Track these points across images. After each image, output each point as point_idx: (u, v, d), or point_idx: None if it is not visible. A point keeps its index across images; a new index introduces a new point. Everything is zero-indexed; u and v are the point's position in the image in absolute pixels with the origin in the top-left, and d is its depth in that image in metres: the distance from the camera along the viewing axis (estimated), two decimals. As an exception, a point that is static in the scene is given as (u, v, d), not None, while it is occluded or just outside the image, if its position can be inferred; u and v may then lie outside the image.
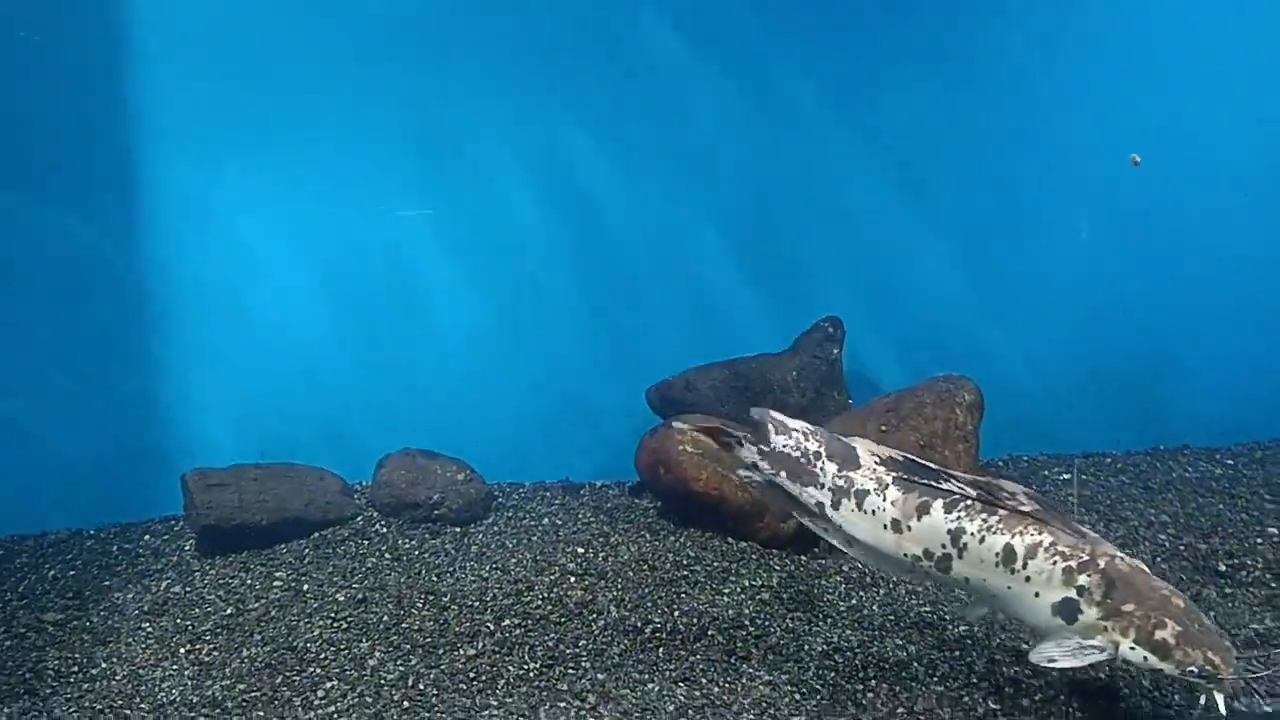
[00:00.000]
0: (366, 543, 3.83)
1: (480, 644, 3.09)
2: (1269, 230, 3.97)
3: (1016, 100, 4.02)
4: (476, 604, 3.31)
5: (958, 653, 2.95)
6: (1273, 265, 4.02)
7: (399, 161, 3.96)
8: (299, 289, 4.02)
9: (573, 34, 3.93)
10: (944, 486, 2.62)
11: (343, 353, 4.10)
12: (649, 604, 3.29)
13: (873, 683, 2.81)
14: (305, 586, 3.49)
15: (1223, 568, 3.32)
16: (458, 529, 3.95)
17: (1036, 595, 2.48)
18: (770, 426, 2.81)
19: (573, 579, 3.46)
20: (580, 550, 3.67)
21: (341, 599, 3.37)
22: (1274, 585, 3.22)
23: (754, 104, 4.05)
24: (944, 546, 2.59)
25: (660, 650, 3.04)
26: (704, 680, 2.86)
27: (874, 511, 2.68)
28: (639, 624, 3.16)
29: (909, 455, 2.77)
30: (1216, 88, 3.90)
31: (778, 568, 3.55)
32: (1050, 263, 4.08)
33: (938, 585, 2.86)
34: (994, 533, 2.52)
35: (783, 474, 2.79)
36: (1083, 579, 2.42)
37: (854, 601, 3.32)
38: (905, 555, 2.64)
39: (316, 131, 3.88)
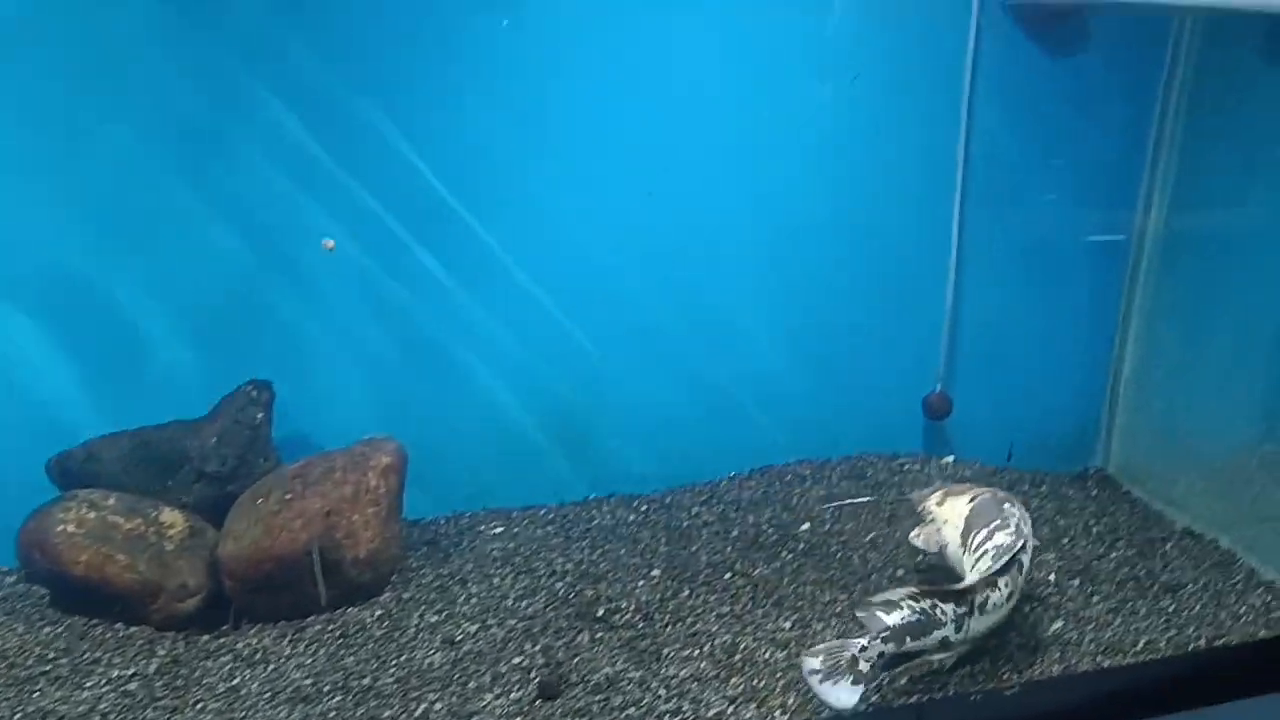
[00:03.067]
0: None
1: None
2: (674, 296, 4.38)
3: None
4: None
5: (315, 728, 2.94)
6: (680, 330, 4.44)
7: None
8: None
9: None
10: None
11: None
12: (-9, 708, 2.97)
13: (210, 772, 2.71)
14: None
15: (601, 612, 3.57)
16: None
17: None
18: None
19: (-95, 687, 3.04)
20: (-68, 652, 3.25)
21: None
22: (640, 626, 3.51)
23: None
24: None
25: (-18, 763, 2.74)
26: (17, 794, 2.61)
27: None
28: (-33, 734, 2.84)
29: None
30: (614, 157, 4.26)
31: (162, 652, 3.35)
32: (471, 324, 4.21)
33: None
34: None
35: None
36: None
37: (235, 681, 3.20)
38: None
39: None
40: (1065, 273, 4.71)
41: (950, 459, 4.77)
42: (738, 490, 4.58)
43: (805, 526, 4.20)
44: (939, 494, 3.65)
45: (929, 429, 4.80)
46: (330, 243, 3.82)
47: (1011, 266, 4.66)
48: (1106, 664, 3.31)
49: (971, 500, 3.48)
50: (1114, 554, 4.06)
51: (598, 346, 4.38)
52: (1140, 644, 3.42)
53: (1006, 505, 3.44)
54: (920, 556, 3.79)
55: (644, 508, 4.46)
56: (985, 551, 3.22)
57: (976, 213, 4.52)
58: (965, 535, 3.36)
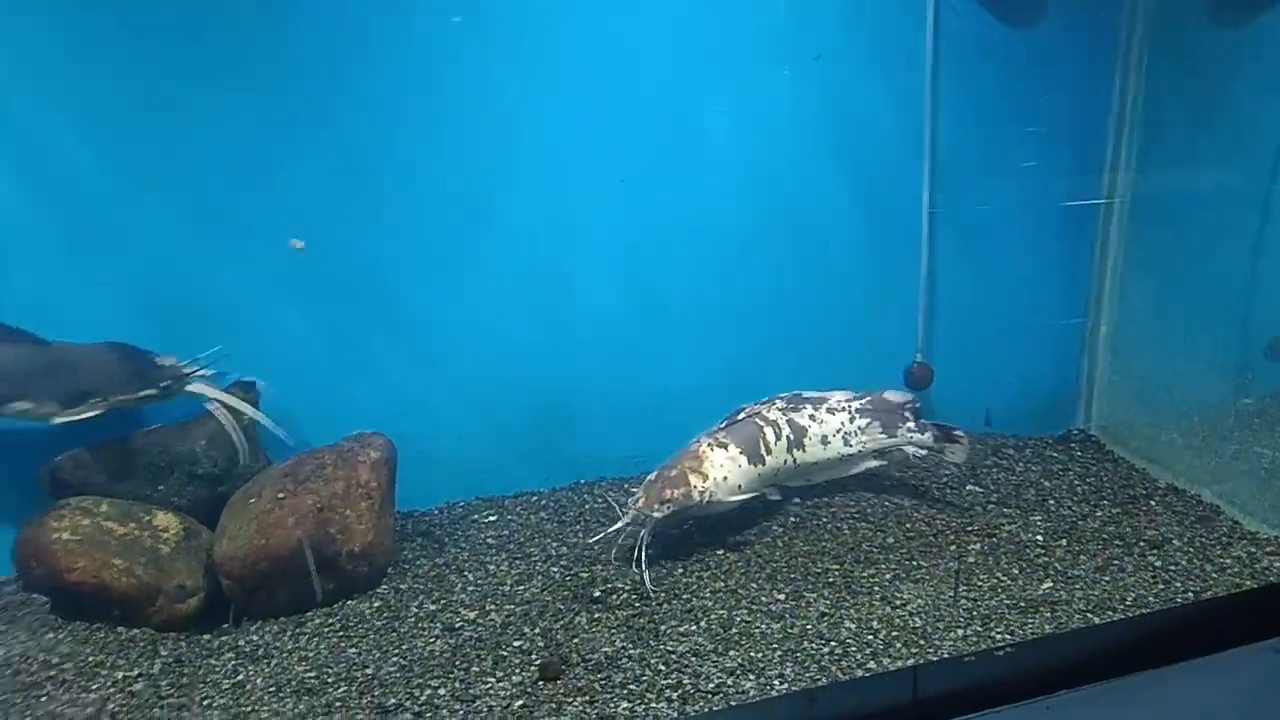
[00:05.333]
0: None
1: None
2: (653, 280, 4.43)
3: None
4: None
5: (322, 718, 2.96)
6: (660, 313, 4.49)
7: None
8: None
9: None
10: None
11: None
12: (-2, 715, 2.99)
13: (220, 766, 2.74)
14: None
15: (597, 594, 3.62)
16: None
17: None
18: None
19: (-90, 700, 3.06)
20: (-65, 663, 3.26)
21: None
22: (637, 605, 3.55)
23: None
24: None
25: (-8, 769, 2.77)
26: (30, 796, 2.64)
27: None
28: (-24, 742, 2.86)
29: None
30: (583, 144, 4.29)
31: (165, 652, 3.37)
32: (455, 316, 4.24)
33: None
34: None
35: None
36: None
37: (240, 677, 3.23)
38: None
39: None
40: (1037, 238, 4.78)
41: (935, 427, 4.83)
42: (726, 468, 4.62)
43: (795, 500, 4.25)
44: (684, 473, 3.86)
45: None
46: (299, 243, 3.84)
47: (983, 235, 4.72)
48: (1096, 621, 3.38)
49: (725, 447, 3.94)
50: (1099, 513, 4.13)
51: (579, 333, 4.42)
52: (1129, 600, 3.48)
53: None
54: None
55: (633, 490, 4.48)
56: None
57: (946, 184, 4.58)
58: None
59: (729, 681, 3.09)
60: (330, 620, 3.52)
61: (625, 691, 3.07)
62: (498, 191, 4.16)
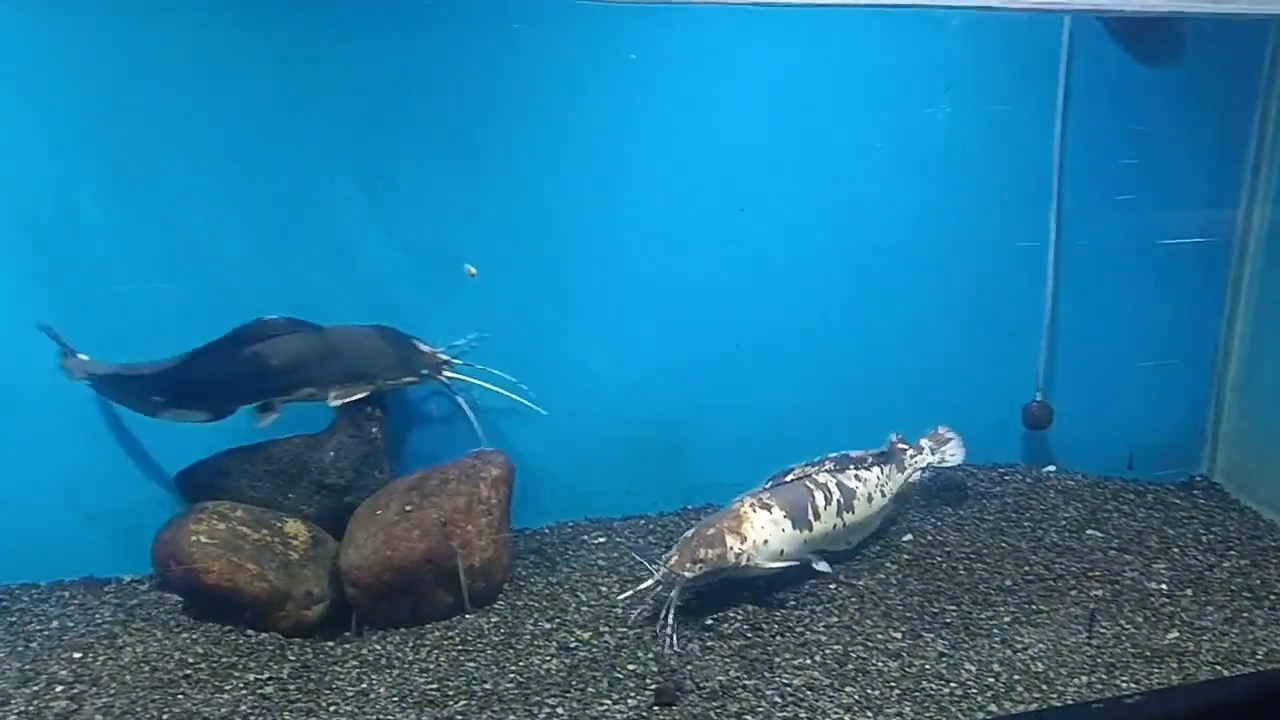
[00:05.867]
0: None
1: (-73, 777, 2.81)
2: (769, 309, 4.44)
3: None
4: (-72, 729, 3.00)
5: (444, 731, 3.04)
6: (775, 342, 4.50)
7: None
8: None
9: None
10: None
11: None
12: (139, 709, 3.13)
13: (348, 772, 2.82)
14: None
15: (709, 622, 3.63)
16: (-61, 642, 3.56)
17: None
18: None
19: (59, 688, 3.23)
20: (78, 655, 3.42)
21: None
22: (749, 636, 3.56)
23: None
24: None
25: (137, 761, 2.90)
26: (172, 790, 2.75)
27: None
28: (120, 733, 3.00)
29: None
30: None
31: (293, 657, 3.48)
32: (570, 339, 4.32)
33: None
34: None
35: None
36: None
37: (363, 686, 3.32)
38: None
39: None
40: (1166, 277, 4.66)
41: (1051, 469, 4.74)
42: (836, 501, 4.60)
43: (907, 538, 4.21)
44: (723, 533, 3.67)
45: (1028, 439, 4.78)
46: (473, 269, 3.94)
47: (1111, 272, 4.63)
48: (1226, 673, 3.27)
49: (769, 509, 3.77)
50: (1226, 563, 4.00)
51: (694, 359, 4.45)
52: (1259, 654, 3.37)
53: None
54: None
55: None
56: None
57: (1074, 218, 4.51)
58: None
59: (846, 718, 3.08)
60: (450, 633, 3.60)
61: (742, 722, 3.08)
62: (618, 213, 4.22)
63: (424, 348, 3.96)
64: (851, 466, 4.07)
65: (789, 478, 3.94)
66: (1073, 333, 4.66)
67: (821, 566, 3.89)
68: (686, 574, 3.51)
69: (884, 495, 4.13)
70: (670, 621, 3.42)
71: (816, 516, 3.84)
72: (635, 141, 4.15)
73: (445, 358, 3.98)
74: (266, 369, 3.73)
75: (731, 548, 3.60)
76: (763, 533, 3.69)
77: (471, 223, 4.08)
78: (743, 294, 4.42)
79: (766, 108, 4.20)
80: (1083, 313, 4.64)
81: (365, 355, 3.86)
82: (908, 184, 4.38)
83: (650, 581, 3.59)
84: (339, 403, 3.81)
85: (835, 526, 3.92)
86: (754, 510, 3.74)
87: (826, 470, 4.00)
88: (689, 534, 3.69)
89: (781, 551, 3.74)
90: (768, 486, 3.90)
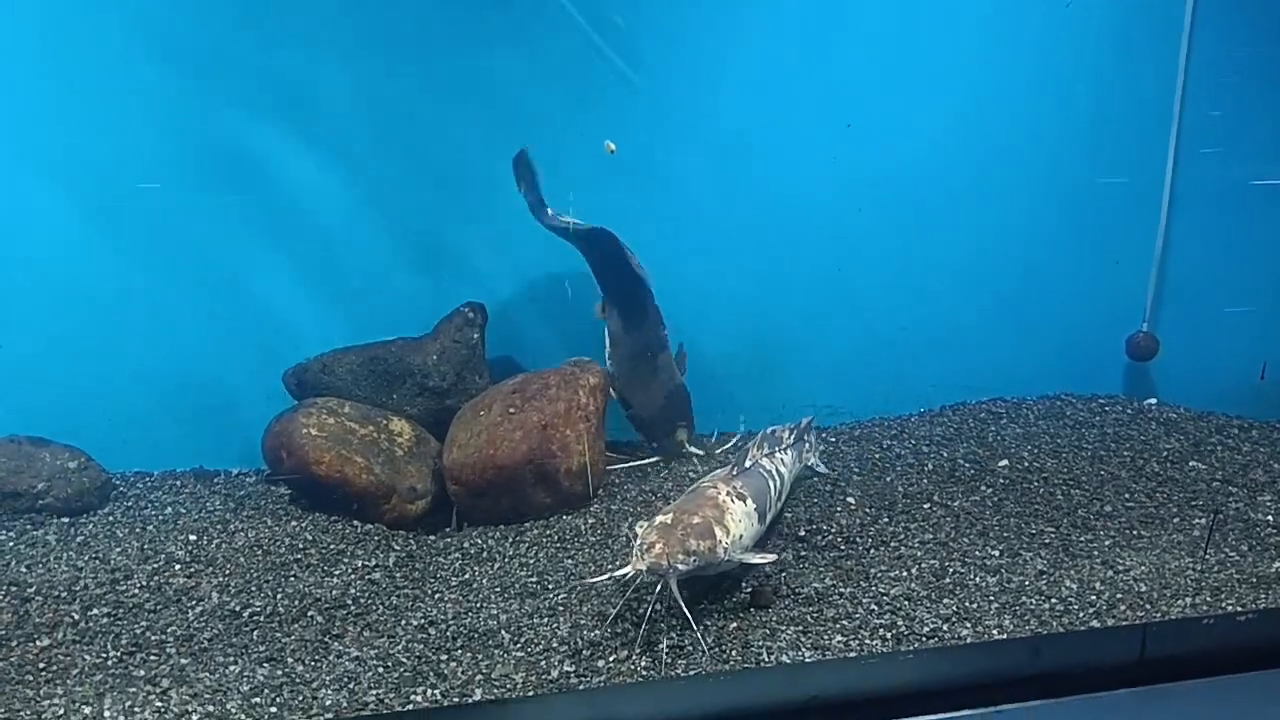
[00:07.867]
0: (-49, 536, 3.56)
1: (60, 634, 2.97)
2: (872, 234, 4.39)
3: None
4: (64, 594, 3.16)
5: (546, 619, 3.10)
6: (875, 268, 4.46)
7: None
8: None
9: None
10: None
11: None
12: (253, 588, 3.25)
13: (458, 652, 2.90)
14: None
15: (803, 533, 3.65)
16: (65, 519, 3.73)
17: None
18: None
19: (177, 566, 3.36)
20: (193, 538, 3.56)
21: (-93, 596, 3.11)
22: (843, 548, 3.57)
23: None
24: None
25: (255, 633, 3.02)
26: (290, 660, 2.87)
27: None
28: (238, 608, 3.13)
29: None
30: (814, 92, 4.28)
31: (398, 547, 3.59)
32: (692, 253, 4.33)
33: None
34: None
35: None
36: None
37: (466, 576, 3.41)
38: None
39: None
40: (1280, 217, 4.51)
41: (1153, 401, 4.65)
42: (929, 426, 4.58)
43: (1004, 463, 4.17)
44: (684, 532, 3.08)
45: (1131, 370, 4.68)
46: (612, 145, 3.94)
47: (1225, 211, 4.49)
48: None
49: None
50: (1334, 498, 3.90)
51: (792, 282, 4.43)
52: (1372, 582, 3.29)
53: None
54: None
55: (834, 439, 4.51)
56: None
57: (1193, 150, 4.37)
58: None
59: (944, 627, 3.07)
60: (548, 531, 3.67)
61: (838, 626, 3.09)
62: (725, 128, 4.22)
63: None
64: (777, 451, 3.79)
65: (748, 461, 3.55)
66: (1183, 269, 4.54)
67: (758, 559, 3.30)
68: (680, 566, 2.99)
69: (790, 471, 3.89)
70: (684, 607, 2.96)
71: (770, 507, 3.55)
72: (741, 55, 4.11)
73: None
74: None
75: (720, 540, 3.12)
76: (739, 526, 3.26)
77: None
78: (844, 220, 4.39)
79: (878, 26, 4.12)
80: (1196, 247, 4.52)
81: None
82: (1020, 108, 4.28)
83: (625, 571, 3.04)
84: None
85: (776, 511, 3.67)
86: (732, 500, 3.31)
87: (766, 455, 3.70)
88: (663, 520, 3.12)
89: (747, 548, 3.32)
90: (735, 474, 3.45)
